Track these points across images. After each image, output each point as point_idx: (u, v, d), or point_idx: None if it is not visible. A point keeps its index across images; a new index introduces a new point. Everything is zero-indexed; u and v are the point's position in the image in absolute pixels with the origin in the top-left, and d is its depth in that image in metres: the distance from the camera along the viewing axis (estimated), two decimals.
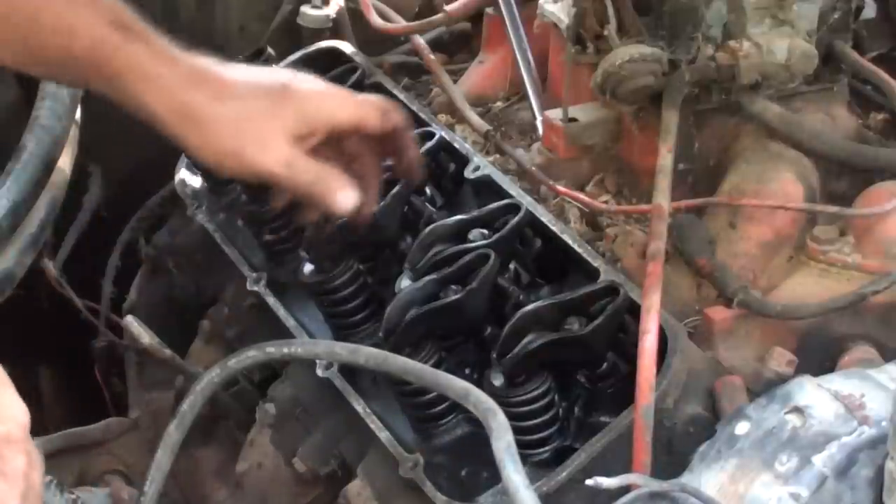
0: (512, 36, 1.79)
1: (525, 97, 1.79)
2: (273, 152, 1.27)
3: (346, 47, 1.86)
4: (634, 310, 1.31)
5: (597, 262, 1.41)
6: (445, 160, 1.60)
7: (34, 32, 1.25)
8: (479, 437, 1.22)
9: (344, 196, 1.30)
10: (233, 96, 1.28)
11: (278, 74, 1.35)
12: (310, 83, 1.34)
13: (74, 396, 2.20)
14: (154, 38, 1.28)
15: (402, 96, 1.74)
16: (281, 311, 1.55)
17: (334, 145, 1.33)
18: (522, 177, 1.64)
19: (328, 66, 1.78)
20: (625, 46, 1.49)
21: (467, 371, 1.39)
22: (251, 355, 1.37)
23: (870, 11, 1.64)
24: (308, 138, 1.30)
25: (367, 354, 1.29)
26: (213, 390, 1.37)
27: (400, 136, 1.37)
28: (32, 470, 0.99)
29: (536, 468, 1.28)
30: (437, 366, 1.33)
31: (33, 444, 1.00)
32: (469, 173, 1.55)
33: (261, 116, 1.28)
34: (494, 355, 1.30)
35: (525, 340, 1.27)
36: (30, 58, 1.28)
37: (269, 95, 1.30)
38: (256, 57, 1.77)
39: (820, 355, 1.40)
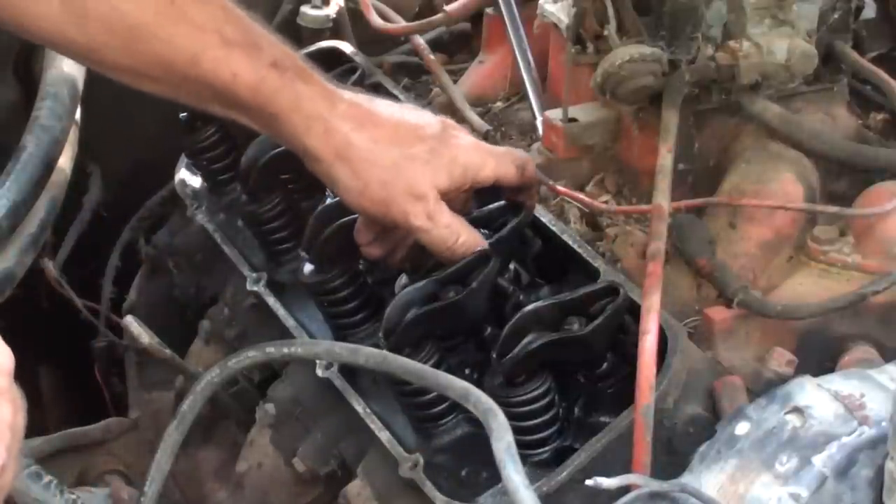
0: (512, 36, 1.79)
1: (525, 97, 1.78)
2: (419, 206, 1.32)
3: (346, 47, 1.86)
4: (634, 310, 1.31)
5: (597, 262, 1.41)
6: None
7: (194, 75, 1.28)
8: (479, 437, 1.22)
9: None
10: (391, 141, 1.33)
11: (433, 122, 1.37)
12: (459, 137, 1.38)
13: (74, 396, 2.20)
14: (312, 77, 1.32)
15: (402, 96, 1.74)
16: (281, 311, 1.55)
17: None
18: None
19: (328, 66, 1.78)
20: (625, 46, 1.49)
21: (467, 371, 1.39)
22: (251, 355, 1.37)
23: (870, 11, 1.64)
24: (450, 193, 1.35)
25: (367, 354, 1.29)
26: (213, 390, 1.37)
27: (529, 187, 1.42)
28: (17, 414, 0.99)
29: (536, 468, 1.28)
30: (437, 366, 1.33)
31: (15, 386, 1.00)
32: None
33: (415, 167, 1.32)
34: (494, 355, 1.30)
35: (525, 340, 1.27)
36: (189, 94, 1.32)
37: (425, 145, 1.34)
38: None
39: (820, 355, 1.40)
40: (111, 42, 1.27)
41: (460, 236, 1.35)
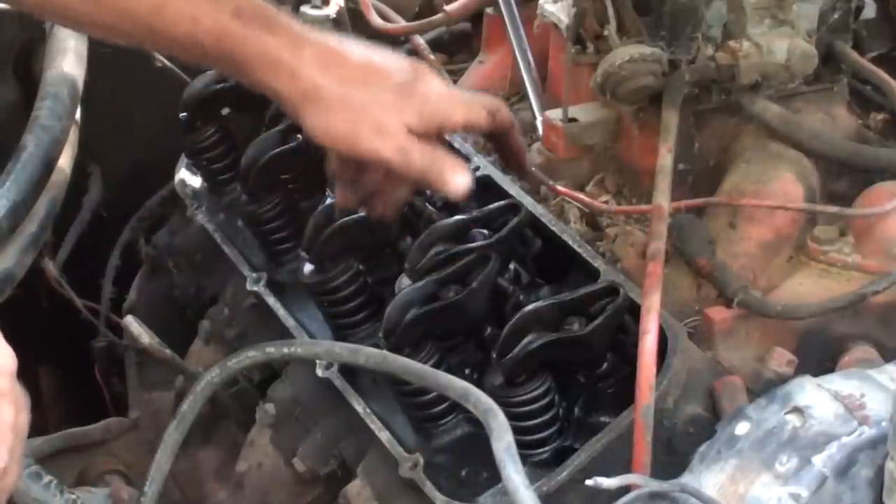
0: (512, 36, 1.79)
1: (525, 97, 1.78)
2: (389, 140, 1.31)
3: None
4: (634, 310, 1.31)
5: (597, 262, 1.41)
6: None
7: (158, 26, 1.28)
8: (479, 437, 1.22)
9: (460, 178, 1.33)
10: (360, 82, 1.31)
11: (403, 65, 1.36)
12: (430, 82, 1.36)
13: (74, 396, 2.20)
14: (277, 24, 1.31)
15: None
16: (281, 311, 1.55)
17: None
18: (522, 177, 1.64)
19: None
20: (625, 46, 1.49)
21: (467, 371, 1.39)
22: (251, 355, 1.37)
23: (870, 11, 1.64)
24: (418, 133, 1.32)
25: (367, 354, 1.29)
26: (213, 390, 1.37)
27: (506, 132, 1.40)
28: (20, 414, 1.00)
29: (536, 468, 1.28)
30: (437, 366, 1.33)
31: (18, 386, 1.00)
32: None
33: (384, 108, 1.31)
34: (494, 355, 1.30)
35: (525, 340, 1.27)
36: (156, 45, 1.34)
37: (394, 87, 1.32)
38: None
39: (820, 355, 1.40)
40: None
41: (437, 156, 1.33)
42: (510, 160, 1.44)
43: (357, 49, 1.35)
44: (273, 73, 1.30)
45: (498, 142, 1.42)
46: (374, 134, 1.31)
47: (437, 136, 1.36)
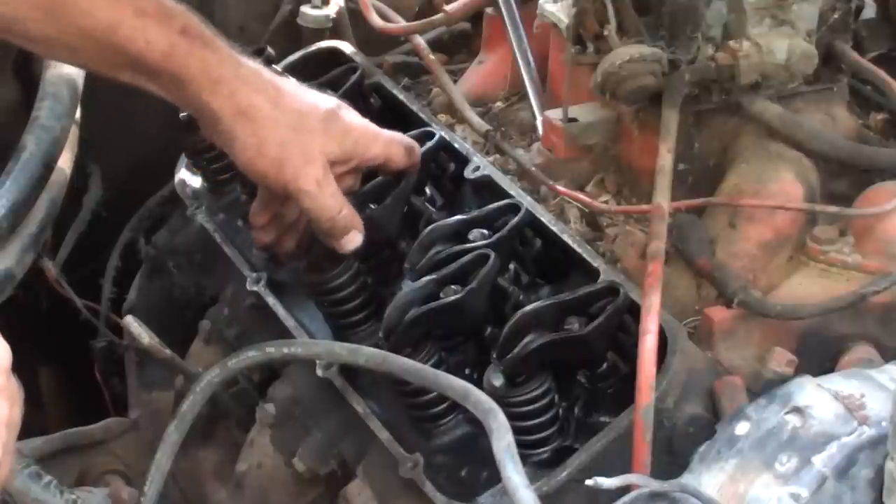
0: (512, 36, 1.79)
1: (525, 97, 1.79)
2: (309, 169, 1.38)
3: (346, 47, 1.86)
4: (634, 310, 1.31)
5: (597, 262, 1.41)
6: (445, 160, 1.60)
7: (110, 44, 1.33)
8: (479, 437, 1.22)
9: (353, 236, 1.43)
10: (291, 106, 1.38)
11: (328, 98, 1.44)
12: (352, 114, 1.44)
13: (74, 396, 2.20)
14: (219, 44, 1.38)
15: (402, 96, 1.74)
16: (281, 311, 1.55)
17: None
18: (522, 177, 1.64)
19: (328, 66, 1.78)
20: (625, 46, 1.49)
21: (467, 371, 1.39)
22: (251, 355, 1.37)
23: (870, 11, 1.64)
24: (339, 166, 1.41)
25: (367, 354, 1.29)
26: (213, 390, 1.37)
27: (414, 169, 1.49)
28: (13, 410, 1.01)
29: (536, 468, 1.28)
30: (437, 366, 1.33)
31: (13, 381, 1.01)
32: (469, 173, 1.55)
33: (311, 134, 1.38)
34: (494, 355, 1.30)
35: (525, 340, 1.27)
36: (114, 68, 1.36)
37: (321, 115, 1.40)
38: (256, 57, 1.77)
39: (820, 355, 1.40)
40: (34, 14, 1.30)
41: (343, 209, 1.40)
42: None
43: (286, 80, 1.43)
44: (211, 89, 1.35)
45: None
46: (299, 159, 1.37)
47: (351, 172, 1.43)
